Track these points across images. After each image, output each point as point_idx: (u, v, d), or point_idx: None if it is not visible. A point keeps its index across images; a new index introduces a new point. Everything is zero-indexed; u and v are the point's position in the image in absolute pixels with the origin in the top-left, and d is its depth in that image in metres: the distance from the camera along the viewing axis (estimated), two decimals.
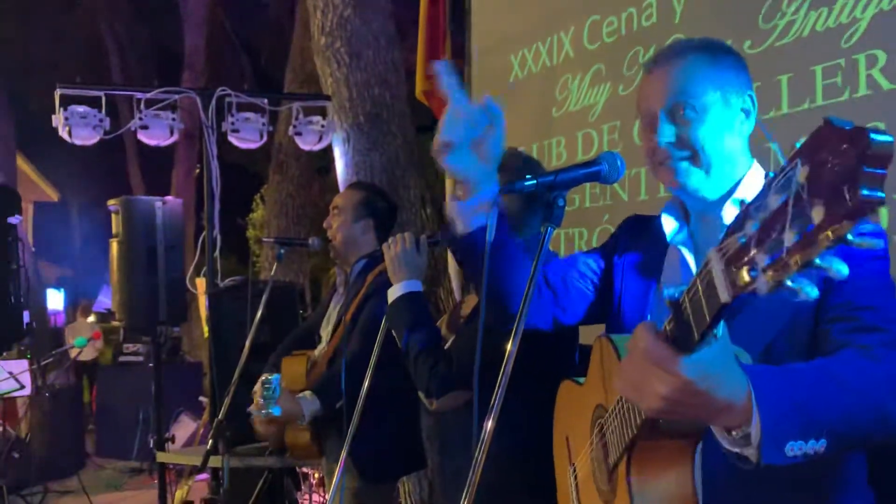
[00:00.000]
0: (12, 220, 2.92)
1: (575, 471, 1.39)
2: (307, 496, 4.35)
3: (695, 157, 1.28)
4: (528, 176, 1.27)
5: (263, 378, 2.34)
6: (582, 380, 1.40)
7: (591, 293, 1.52)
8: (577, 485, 1.38)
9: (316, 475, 4.47)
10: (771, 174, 1.01)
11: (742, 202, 1.30)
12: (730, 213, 1.27)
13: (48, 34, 12.98)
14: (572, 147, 2.98)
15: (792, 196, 0.64)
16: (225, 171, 3.96)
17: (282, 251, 2.82)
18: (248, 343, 2.62)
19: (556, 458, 1.54)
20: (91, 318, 10.53)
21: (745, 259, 0.68)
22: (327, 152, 4.86)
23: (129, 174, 14.83)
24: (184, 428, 5.79)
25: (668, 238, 1.37)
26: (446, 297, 3.94)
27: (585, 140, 2.91)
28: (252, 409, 2.39)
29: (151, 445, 4.44)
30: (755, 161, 1.36)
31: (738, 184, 1.30)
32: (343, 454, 2.08)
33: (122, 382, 7.57)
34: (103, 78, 12.91)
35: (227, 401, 2.59)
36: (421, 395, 2.05)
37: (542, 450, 1.67)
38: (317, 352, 2.74)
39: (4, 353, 6.19)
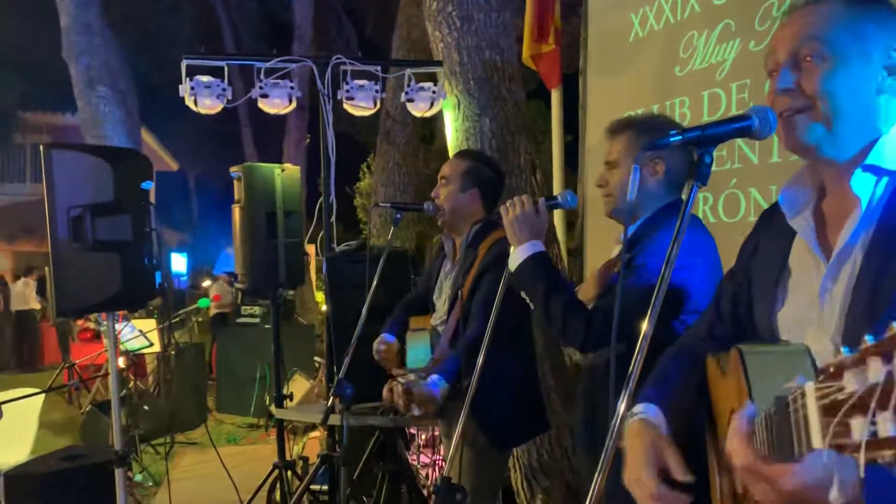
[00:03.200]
0: (145, 185, 3.07)
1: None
2: (415, 456, 4.45)
3: (814, 108, 1.13)
4: (672, 132, 1.21)
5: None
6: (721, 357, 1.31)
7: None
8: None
9: (423, 436, 4.56)
10: None
11: (877, 181, 1.14)
12: (859, 182, 1.12)
13: (164, 10, 13.58)
14: (697, 107, 2.85)
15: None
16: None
17: (398, 216, 2.83)
18: (366, 306, 2.66)
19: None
20: (210, 282, 11.13)
21: (843, 422, 0.62)
22: (431, 121, 4.84)
23: (242, 143, 15.43)
24: (298, 387, 6.02)
25: (788, 219, 1.23)
26: (555, 262, 3.89)
27: (712, 100, 2.77)
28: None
29: (268, 402, 4.62)
30: None
31: (871, 145, 1.13)
32: (460, 422, 2.08)
33: (240, 342, 7.95)
34: (218, 50, 13.42)
35: (346, 361, 2.65)
36: (570, 350, 2.01)
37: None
38: (434, 321, 2.76)
39: (136, 313, 6.64)
